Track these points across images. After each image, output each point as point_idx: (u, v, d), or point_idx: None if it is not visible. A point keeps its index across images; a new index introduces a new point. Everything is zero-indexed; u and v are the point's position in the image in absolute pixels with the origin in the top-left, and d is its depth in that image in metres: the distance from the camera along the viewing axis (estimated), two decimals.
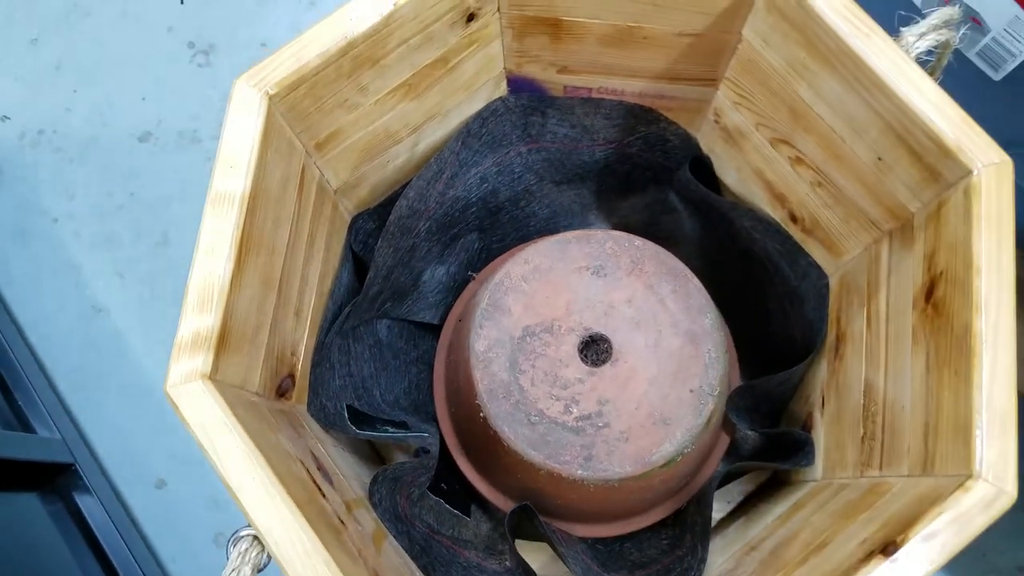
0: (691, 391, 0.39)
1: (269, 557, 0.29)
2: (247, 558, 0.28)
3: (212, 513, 0.77)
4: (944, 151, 0.30)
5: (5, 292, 0.88)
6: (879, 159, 0.34)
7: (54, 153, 0.95)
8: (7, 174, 0.94)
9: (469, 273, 0.51)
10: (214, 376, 0.29)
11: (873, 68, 0.31)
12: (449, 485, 0.48)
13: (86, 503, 0.66)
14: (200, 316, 0.29)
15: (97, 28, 1.01)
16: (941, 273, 0.31)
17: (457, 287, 0.51)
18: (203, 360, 0.28)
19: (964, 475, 0.28)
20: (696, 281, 0.40)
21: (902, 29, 0.33)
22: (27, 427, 0.68)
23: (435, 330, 0.51)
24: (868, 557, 0.28)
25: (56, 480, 0.67)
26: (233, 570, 0.28)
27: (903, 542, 0.28)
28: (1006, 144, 0.43)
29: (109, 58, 0.99)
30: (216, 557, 0.75)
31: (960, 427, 0.29)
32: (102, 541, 0.65)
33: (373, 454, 0.48)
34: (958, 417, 0.29)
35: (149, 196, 0.93)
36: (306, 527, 0.27)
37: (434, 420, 0.48)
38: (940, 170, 0.31)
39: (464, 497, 0.48)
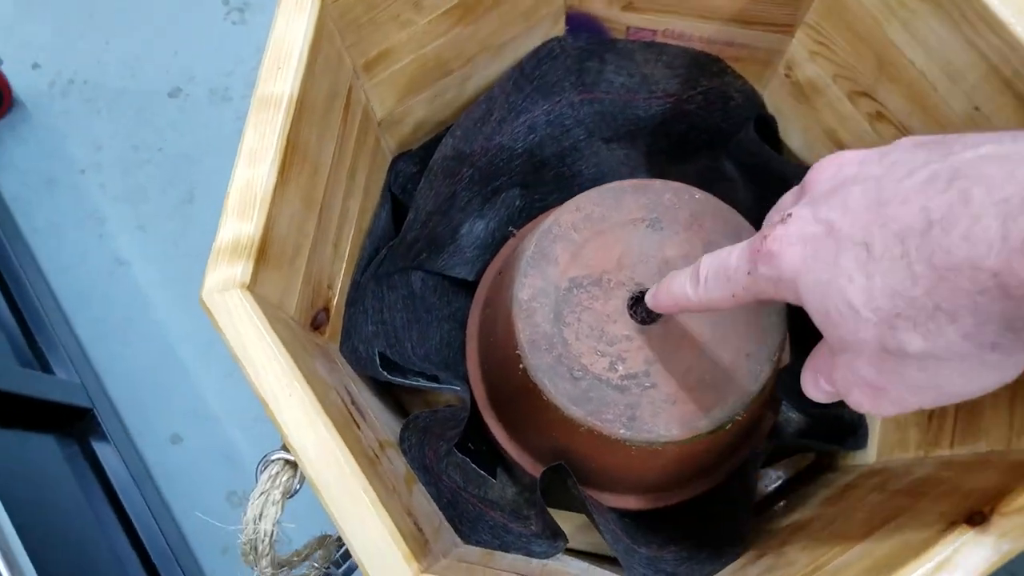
0: (747, 356, 0.37)
1: (300, 483, 0.27)
2: (278, 482, 0.26)
3: (226, 471, 0.75)
4: None
5: (30, 239, 0.87)
6: (976, 109, 0.31)
7: (84, 103, 0.94)
8: (36, 122, 0.93)
9: (510, 229, 0.49)
10: (253, 288, 0.27)
11: (988, 5, 0.28)
12: (476, 445, 0.45)
13: (102, 450, 0.65)
14: (241, 222, 0.27)
15: None
16: None
17: (496, 244, 0.49)
18: (242, 269, 0.26)
19: None
20: None
21: None
22: (46, 368, 0.67)
23: (469, 287, 0.49)
24: (949, 527, 0.26)
25: (74, 424, 0.65)
26: (262, 493, 0.26)
27: (990, 512, 0.25)
28: None
29: (143, 10, 0.98)
30: (229, 515, 0.74)
31: None
32: (117, 488, 0.64)
33: (398, 406, 0.45)
34: None
35: (176, 152, 0.92)
36: (344, 450, 0.25)
37: (464, 379, 0.46)
38: None
39: (491, 458, 0.46)
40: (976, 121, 0.32)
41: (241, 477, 0.75)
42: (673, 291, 0.32)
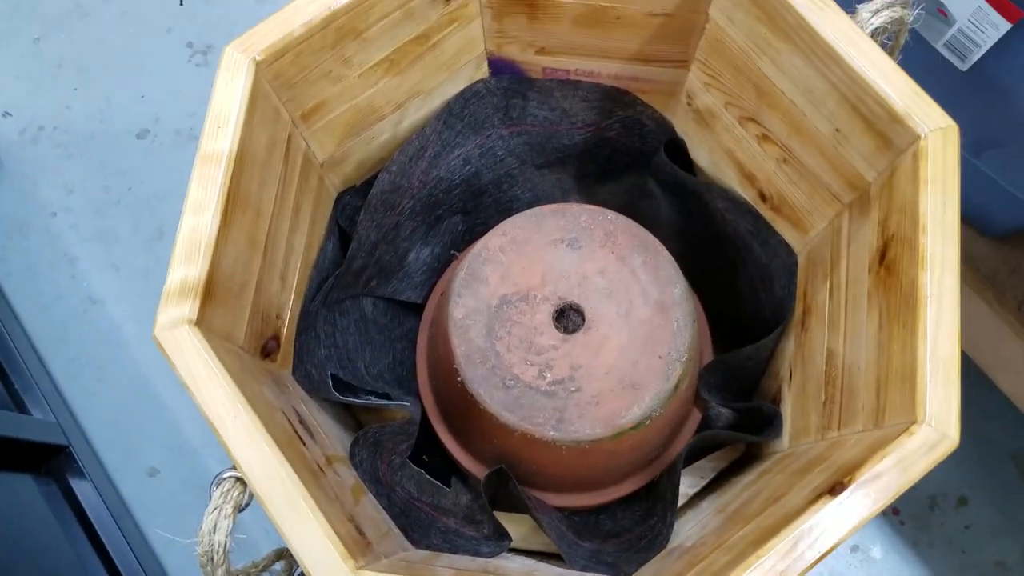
0: (660, 357, 0.41)
1: (250, 498, 0.30)
2: (229, 497, 0.29)
3: (204, 502, 0.77)
4: (894, 117, 0.32)
5: (4, 283, 0.89)
6: (837, 130, 0.36)
7: (54, 148, 0.97)
8: (8, 168, 0.96)
9: (452, 252, 0.52)
10: (200, 323, 0.30)
11: (828, 40, 0.33)
12: (430, 456, 0.49)
13: (80, 486, 0.67)
14: (187, 266, 0.30)
15: (98, 28, 1.04)
16: (893, 235, 0.33)
17: (441, 267, 0.53)
18: (190, 307, 0.30)
19: (909, 421, 0.29)
20: (666, 253, 0.42)
21: (857, 5, 0.35)
22: (23, 409, 0.69)
23: (419, 309, 0.52)
24: (816, 499, 0.30)
25: (50, 462, 0.67)
26: (215, 508, 0.29)
27: (849, 483, 0.29)
28: (976, 139, 0.45)
29: (109, 57, 1.01)
30: None
31: (907, 377, 0.30)
32: (95, 524, 0.66)
33: (355, 424, 0.49)
34: (905, 368, 0.30)
35: (146, 192, 0.95)
36: (285, 464, 0.28)
37: (416, 395, 0.49)
38: (891, 137, 0.33)
39: (445, 469, 0.49)
40: (839, 141, 0.36)
41: None
42: None
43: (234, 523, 0.31)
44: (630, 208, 0.54)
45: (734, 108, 0.42)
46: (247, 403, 0.29)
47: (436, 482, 0.45)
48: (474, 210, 0.53)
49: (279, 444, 0.29)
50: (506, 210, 0.54)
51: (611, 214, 0.43)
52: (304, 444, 0.33)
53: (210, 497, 0.31)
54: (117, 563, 0.68)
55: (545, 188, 0.54)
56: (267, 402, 0.32)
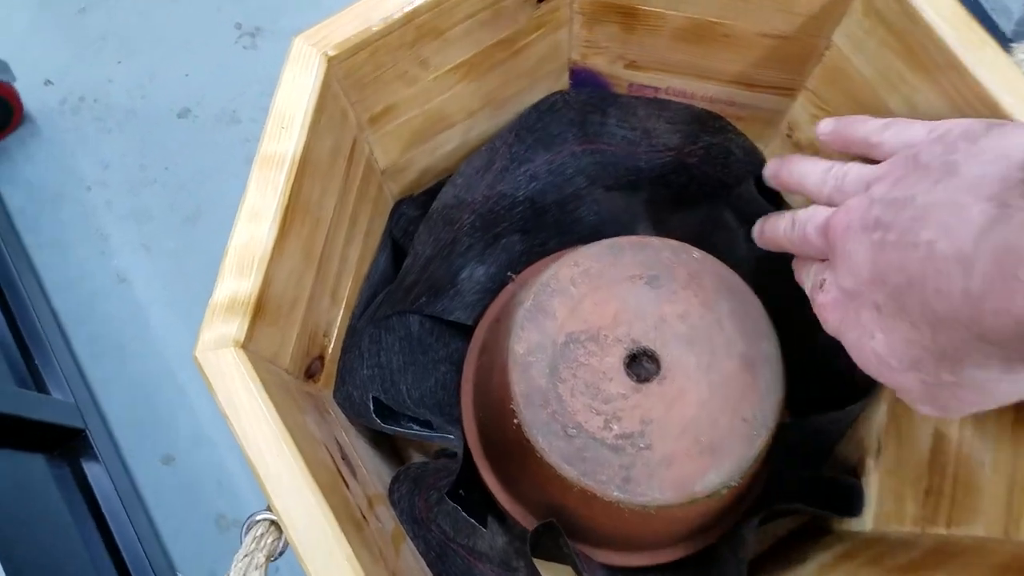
0: (744, 420, 0.36)
1: (285, 545, 0.27)
2: (262, 544, 0.26)
3: (217, 495, 0.75)
4: None
5: (34, 255, 0.87)
6: None
7: (93, 121, 0.95)
8: (46, 137, 0.94)
9: (508, 274, 0.49)
10: (247, 345, 0.26)
11: (982, 83, 0.28)
12: (468, 492, 0.45)
13: (93, 471, 0.65)
14: (238, 280, 0.27)
15: (145, 2, 1.01)
16: None
17: (495, 289, 0.49)
18: (238, 326, 0.26)
19: None
20: (757, 303, 0.38)
21: (1012, 44, 0.30)
22: (42, 388, 0.67)
23: (466, 330, 0.49)
24: None
25: (65, 444, 0.65)
26: (246, 555, 0.26)
27: None
28: None
29: (155, 33, 0.99)
30: (217, 539, 0.73)
31: None
32: (105, 510, 0.64)
33: (392, 452, 0.45)
34: None
35: (183, 173, 0.92)
36: (330, 516, 0.24)
37: (458, 423, 0.46)
38: None
39: (482, 507, 0.46)
40: None
41: (232, 502, 0.75)
42: (775, 229, 0.35)
43: (265, 574, 0.27)
44: (702, 240, 0.50)
45: None
46: (292, 441, 0.26)
47: (472, 520, 0.42)
48: (534, 229, 0.49)
49: (323, 490, 0.26)
50: (567, 232, 0.50)
51: (697, 252, 0.39)
52: (347, 486, 0.30)
53: (241, 541, 0.28)
54: (122, 550, 0.66)
55: (612, 212, 0.50)
56: (311, 437, 0.29)
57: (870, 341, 0.27)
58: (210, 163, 0.93)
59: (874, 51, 0.33)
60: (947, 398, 0.26)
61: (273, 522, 0.27)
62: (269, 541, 0.27)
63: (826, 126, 0.33)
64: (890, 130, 0.29)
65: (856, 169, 0.30)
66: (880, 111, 0.34)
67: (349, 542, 0.25)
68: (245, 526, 0.27)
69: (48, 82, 0.97)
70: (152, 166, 0.94)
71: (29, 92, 0.95)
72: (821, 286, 0.30)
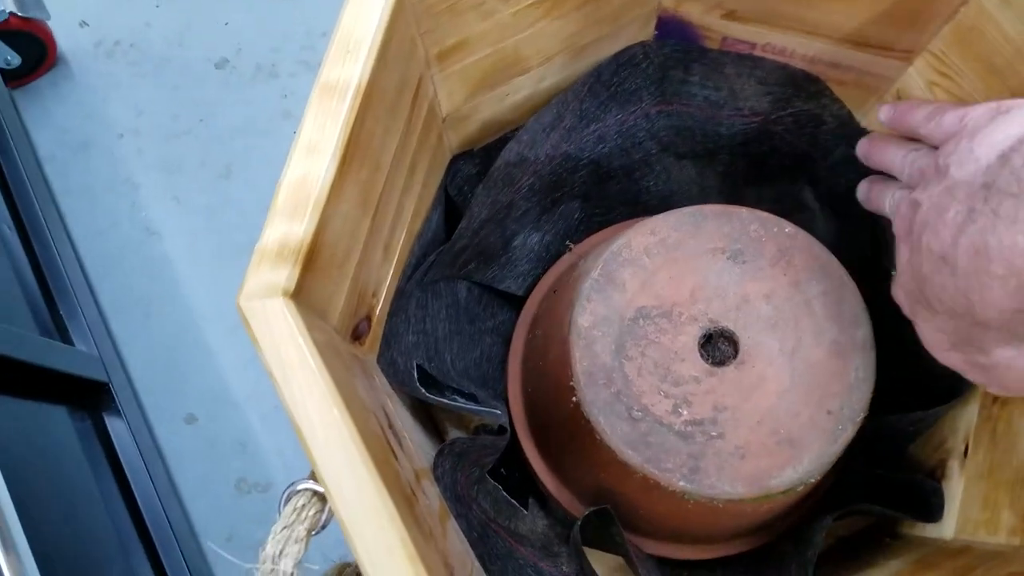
0: (828, 412, 0.33)
1: (328, 518, 0.24)
2: (303, 516, 0.23)
3: (238, 457, 0.73)
4: None
5: (62, 202, 0.85)
6: None
7: (128, 67, 0.92)
8: (79, 81, 0.91)
9: (567, 244, 0.45)
10: (297, 296, 0.23)
11: None
12: (509, 471, 0.42)
13: (114, 425, 0.63)
14: (291, 223, 0.24)
15: None
16: None
17: (550, 258, 0.45)
18: (288, 274, 0.23)
19: None
20: (853, 286, 0.34)
21: None
22: (66, 338, 0.64)
23: (515, 301, 0.45)
24: None
25: (88, 397, 0.63)
26: (285, 527, 0.23)
27: None
28: None
29: None
30: (236, 502, 0.71)
31: None
32: (125, 466, 0.62)
33: (431, 425, 0.42)
34: None
35: (218, 125, 0.89)
36: (383, 491, 0.21)
37: (503, 398, 0.43)
38: None
39: (523, 487, 0.43)
40: None
41: (253, 465, 0.73)
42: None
43: (306, 548, 0.24)
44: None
45: None
46: (344, 407, 0.22)
47: (513, 501, 0.39)
48: (596, 196, 0.45)
49: (376, 462, 0.23)
50: (631, 202, 0.46)
51: (789, 227, 0.35)
52: (397, 459, 0.27)
53: (279, 512, 0.25)
54: (141, 507, 0.64)
55: (681, 182, 0.46)
56: (361, 403, 0.26)
57: (923, 324, 0.29)
58: (246, 117, 0.90)
59: None
60: (998, 376, 0.27)
61: (316, 493, 0.24)
62: (311, 513, 0.24)
63: (885, 113, 0.33)
64: (932, 121, 0.29)
65: (920, 161, 0.30)
66: (1021, 77, 0.30)
67: (403, 522, 0.22)
68: (285, 495, 0.24)
69: (84, 23, 0.95)
70: (185, 116, 0.91)
71: (63, 33, 0.92)
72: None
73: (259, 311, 0.23)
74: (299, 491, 0.24)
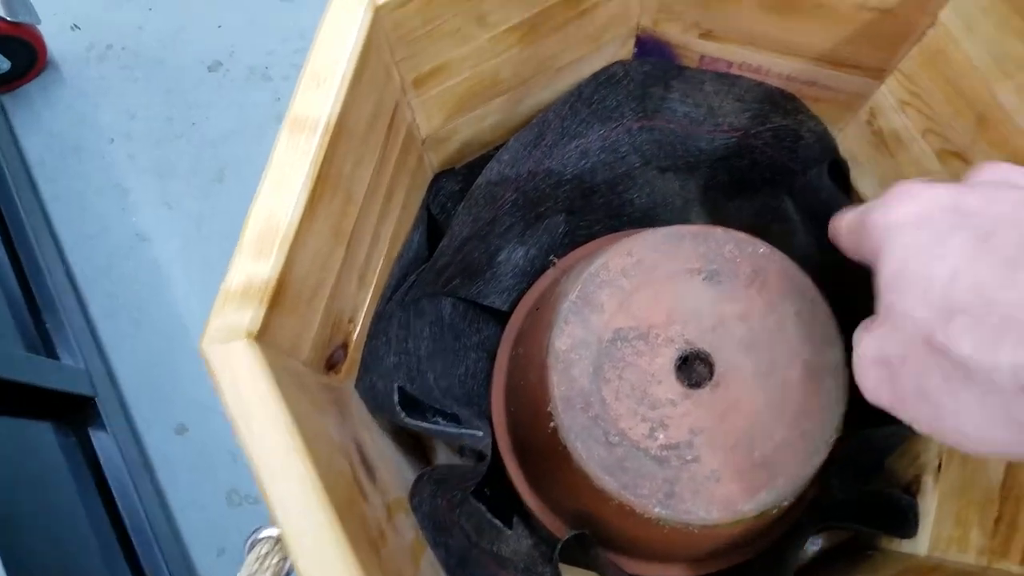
0: (802, 434, 0.33)
1: (291, 567, 0.24)
2: (266, 564, 0.23)
3: (229, 468, 0.73)
4: None
5: (51, 207, 0.85)
6: None
7: (120, 70, 0.92)
8: (69, 85, 0.91)
9: (551, 259, 0.45)
10: (261, 337, 0.23)
11: None
12: (493, 491, 0.42)
13: (101, 441, 0.62)
14: (256, 263, 0.24)
15: None
16: None
17: (535, 272, 0.45)
18: (252, 316, 0.23)
19: None
20: (826, 307, 0.34)
21: None
22: (51, 352, 0.64)
23: (501, 316, 0.46)
24: None
25: (73, 412, 0.63)
26: None
27: None
28: None
29: None
30: (226, 514, 0.71)
31: None
32: (111, 482, 0.61)
33: (415, 444, 0.42)
34: None
35: (211, 129, 0.89)
36: (342, 541, 0.21)
37: (487, 417, 0.43)
38: None
39: (508, 506, 0.43)
40: None
41: (245, 477, 0.73)
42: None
43: None
44: (760, 230, 0.46)
45: (935, 137, 0.33)
46: (306, 453, 0.22)
47: (497, 522, 0.39)
48: (580, 211, 0.45)
49: (338, 508, 0.23)
50: (616, 215, 0.46)
51: (764, 247, 0.35)
52: (365, 499, 0.27)
53: (244, 558, 0.25)
54: (127, 522, 0.63)
55: (664, 195, 0.46)
56: (329, 442, 0.26)
57: (937, 261, 0.25)
58: (239, 121, 0.90)
59: (988, 33, 0.28)
60: (909, 372, 0.24)
61: (280, 540, 0.24)
62: (275, 561, 0.24)
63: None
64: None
65: None
66: (984, 101, 0.30)
67: (363, 569, 0.22)
68: (248, 542, 0.24)
69: (75, 27, 0.94)
70: (178, 120, 0.91)
71: (54, 36, 0.91)
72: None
73: (221, 356, 0.23)
74: (262, 539, 0.24)
